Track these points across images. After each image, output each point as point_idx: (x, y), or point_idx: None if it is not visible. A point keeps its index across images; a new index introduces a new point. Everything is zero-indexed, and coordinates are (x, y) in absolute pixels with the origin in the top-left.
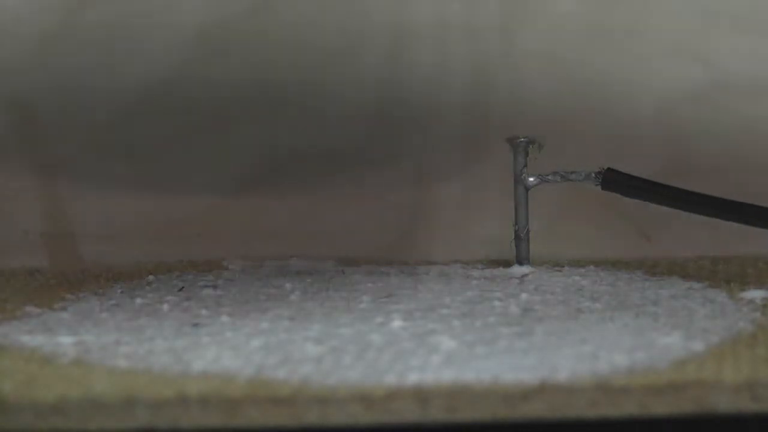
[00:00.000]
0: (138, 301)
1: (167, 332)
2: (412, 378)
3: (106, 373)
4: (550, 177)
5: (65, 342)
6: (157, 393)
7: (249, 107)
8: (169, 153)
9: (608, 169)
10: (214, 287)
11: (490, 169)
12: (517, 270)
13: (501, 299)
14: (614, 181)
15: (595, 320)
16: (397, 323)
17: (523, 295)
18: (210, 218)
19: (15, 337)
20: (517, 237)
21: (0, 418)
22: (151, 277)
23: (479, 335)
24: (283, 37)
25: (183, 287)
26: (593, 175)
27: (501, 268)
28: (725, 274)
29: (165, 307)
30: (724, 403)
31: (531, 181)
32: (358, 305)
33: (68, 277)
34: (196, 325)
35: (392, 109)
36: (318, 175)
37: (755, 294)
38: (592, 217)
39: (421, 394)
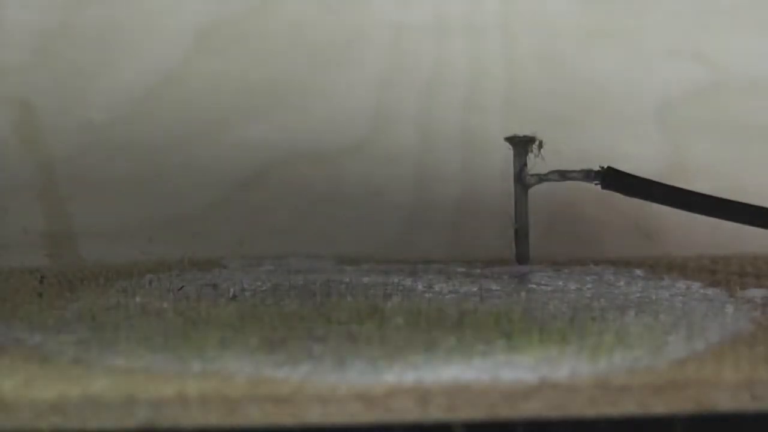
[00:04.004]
0: (137, 300)
1: (167, 331)
2: (412, 376)
3: (106, 371)
4: (549, 176)
5: (64, 341)
6: (157, 392)
7: (249, 107)
8: (169, 153)
9: (608, 168)
10: (214, 286)
11: (489, 168)
12: (517, 269)
13: (500, 298)
14: (614, 180)
15: (595, 319)
16: (397, 321)
17: (523, 294)
18: (209, 217)
19: (14, 335)
20: (517, 237)
21: None
22: (150, 276)
23: (479, 334)
24: (283, 36)
25: (183, 286)
26: (593, 174)
27: (501, 268)
28: (725, 274)
29: (164, 305)
30: (724, 402)
31: (531, 181)
32: (358, 303)
33: (68, 276)
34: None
35: (392, 109)
36: (317, 175)
37: (755, 293)
38: (592, 217)
39: (421, 393)
